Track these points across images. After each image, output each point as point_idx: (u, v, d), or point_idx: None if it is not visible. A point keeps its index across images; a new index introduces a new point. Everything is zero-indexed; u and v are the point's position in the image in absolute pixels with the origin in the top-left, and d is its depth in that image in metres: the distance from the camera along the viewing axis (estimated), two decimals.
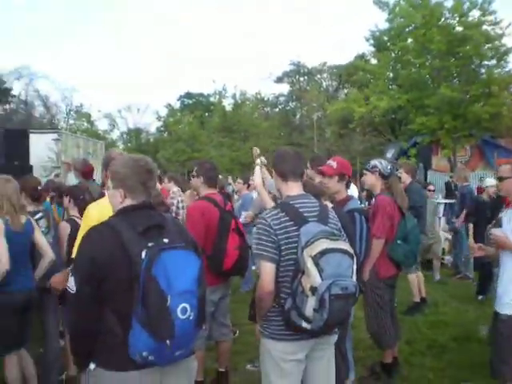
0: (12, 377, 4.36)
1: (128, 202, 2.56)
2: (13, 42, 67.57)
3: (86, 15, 75.47)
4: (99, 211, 3.29)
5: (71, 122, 48.51)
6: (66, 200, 5.40)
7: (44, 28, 67.69)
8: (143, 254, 2.26)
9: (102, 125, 55.81)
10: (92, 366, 2.43)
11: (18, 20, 66.19)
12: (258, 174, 5.10)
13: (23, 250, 4.39)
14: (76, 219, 5.24)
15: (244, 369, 5.50)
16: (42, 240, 4.58)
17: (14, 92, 43.48)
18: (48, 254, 4.54)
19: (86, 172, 6.73)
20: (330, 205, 3.89)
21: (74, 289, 2.38)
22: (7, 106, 43.83)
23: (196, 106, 53.74)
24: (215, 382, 5.01)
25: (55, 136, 16.83)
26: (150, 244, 2.31)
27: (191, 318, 2.28)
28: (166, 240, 2.39)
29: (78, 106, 49.24)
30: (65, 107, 48.39)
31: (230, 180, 16.33)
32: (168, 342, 2.23)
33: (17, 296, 4.27)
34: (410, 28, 23.19)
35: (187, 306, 2.26)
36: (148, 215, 2.51)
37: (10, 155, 12.00)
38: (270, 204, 5.06)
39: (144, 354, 2.26)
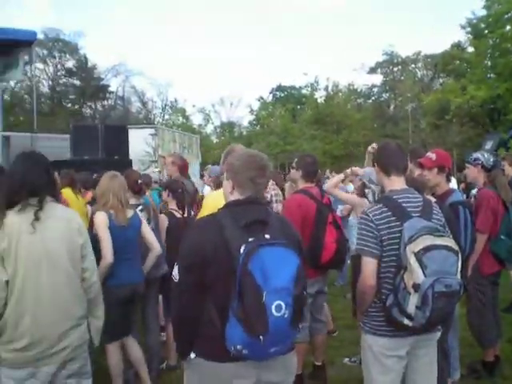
0: (113, 363, 4.51)
1: (236, 195, 2.58)
2: (110, 41, 70.26)
3: (176, 14, 77.28)
4: (214, 201, 3.36)
5: (166, 116, 49.91)
6: (164, 194, 5.56)
7: (139, 25, 70.04)
8: (242, 249, 2.27)
9: (196, 119, 57.11)
10: (192, 355, 2.49)
11: (114, 19, 68.76)
12: (335, 179, 5.10)
13: (128, 244, 4.46)
14: (174, 212, 5.35)
15: (341, 363, 5.42)
16: (149, 234, 4.67)
17: (112, 89, 45.31)
18: (155, 248, 4.64)
19: (183, 167, 6.89)
20: (432, 199, 3.78)
21: (178, 277, 2.46)
22: (105, 103, 45.77)
23: (288, 99, 53.86)
24: (312, 375, 5.03)
25: (152, 131, 17.39)
26: (250, 239, 2.31)
27: (286, 316, 2.24)
28: (267, 236, 2.37)
29: (173, 101, 50.60)
30: (160, 102, 49.83)
31: (327, 173, 16.20)
32: (261, 337, 2.22)
33: (122, 289, 4.38)
34: (509, 14, 22.09)
35: (282, 303, 2.23)
36: (252, 210, 2.50)
37: (110, 150, 12.51)
38: (354, 201, 5.01)
39: (238, 347, 2.27)
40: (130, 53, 72.79)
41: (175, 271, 2.49)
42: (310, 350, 5.05)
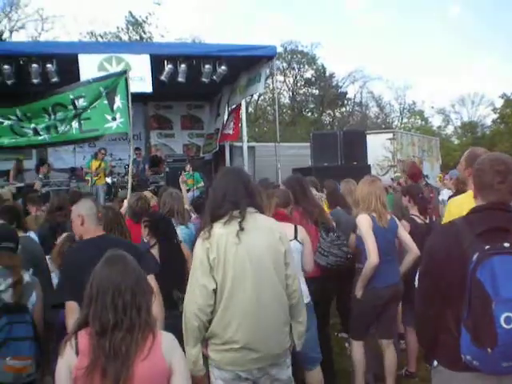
0: (356, 358, 4.72)
1: (479, 201, 2.50)
2: (346, 49, 71.49)
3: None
4: (458, 207, 3.27)
5: (405, 120, 49.09)
6: (405, 199, 5.46)
7: (375, 30, 70.10)
8: (474, 256, 2.18)
9: (435, 121, 55.04)
10: (435, 362, 2.48)
11: (350, 27, 69.80)
12: None
13: (389, 245, 4.60)
14: (415, 218, 5.25)
15: None
16: (406, 236, 4.72)
17: (350, 95, 45.99)
18: (413, 250, 4.62)
19: (413, 174, 6.75)
20: None
21: (418, 283, 2.51)
22: (344, 110, 46.58)
23: None
24: None
25: (390, 135, 17.28)
26: (486, 247, 2.20)
27: None
28: (506, 244, 2.21)
29: (411, 103, 49.59)
30: (398, 106, 49.25)
31: None
32: (489, 349, 2.11)
33: (385, 289, 4.52)
34: None
35: None
36: (493, 217, 2.37)
37: (349, 156, 12.71)
38: None
39: (468, 357, 2.21)
40: (367, 59, 72.97)
41: (417, 277, 2.53)
42: None
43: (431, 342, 2.49)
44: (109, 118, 7.96)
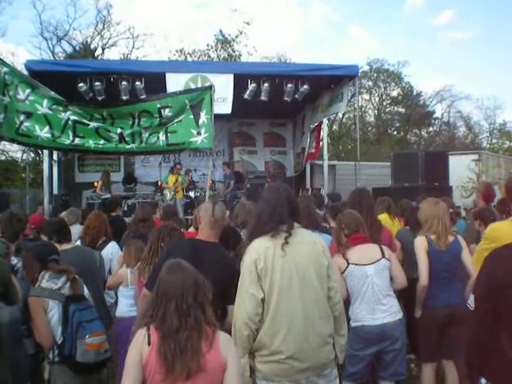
0: (425, 382, 4.74)
1: None
2: (434, 67, 69.91)
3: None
4: (506, 229, 3.26)
5: (494, 140, 47.37)
6: (476, 223, 5.44)
7: (464, 46, 68.08)
8: None
9: None
10: (483, 380, 2.50)
11: (437, 45, 68.26)
12: None
13: (447, 267, 4.60)
14: None
15: None
16: (467, 260, 4.65)
17: (437, 115, 44.96)
18: (473, 276, 4.56)
19: (487, 195, 6.64)
20: None
21: (473, 305, 2.54)
22: (431, 129, 45.56)
23: None
24: None
25: (475, 156, 16.79)
26: None
27: None
28: None
29: (502, 123, 47.75)
30: (487, 126, 47.60)
31: None
32: None
33: (440, 311, 4.54)
34: None
35: None
36: None
37: (430, 177, 12.50)
38: None
39: None
40: (456, 77, 71.00)
41: (471, 299, 2.60)
42: None
43: (482, 362, 2.51)
44: (194, 132, 8.31)
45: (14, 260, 4.67)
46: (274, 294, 3.07)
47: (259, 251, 3.13)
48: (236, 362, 2.58)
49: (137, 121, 8.24)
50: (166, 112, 8.25)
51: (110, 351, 3.99)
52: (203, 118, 8.30)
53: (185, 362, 2.39)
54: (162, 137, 8.33)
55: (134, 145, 8.30)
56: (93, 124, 8.10)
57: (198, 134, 8.30)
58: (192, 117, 8.32)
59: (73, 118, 8.00)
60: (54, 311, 3.80)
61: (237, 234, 4.79)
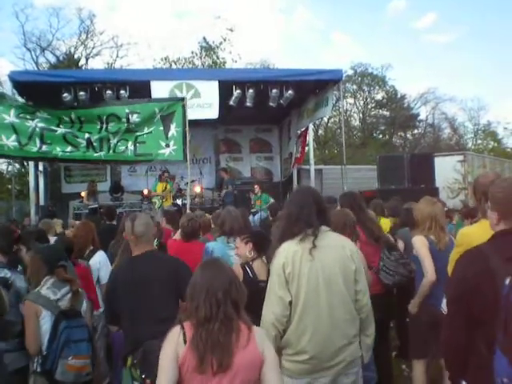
0: (417, 377, 4.74)
1: (501, 226, 2.53)
2: (417, 70, 70.33)
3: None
4: (478, 234, 3.26)
5: (478, 141, 47.69)
6: (466, 222, 5.46)
7: (447, 51, 68.61)
8: (507, 281, 2.18)
9: (510, 142, 53.06)
10: (464, 383, 2.51)
11: (421, 49, 68.69)
12: None
13: (445, 268, 4.57)
14: None
15: None
16: None
17: (421, 117, 45.22)
18: None
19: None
20: None
21: (446, 309, 2.56)
22: (415, 131, 45.80)
23: None
24: None
25: (461, 157, 16.94)
26: None
27: None
28: None
29: (486, 124, 48.09)
30: (472, 127, 47.89)
31: None
32: None
33: (436, 310, 4.48)
34: None
35: None
36: None
37: (416, 179, 12.60)
38: None
39: (505, 380, 2.18)
40: (439, 80, 71.61)
41: (444, 303, 2.58)
42: None
43: (461, 365, 2.51)
44: (163, 144, 8.39)
45: (8, 273, 4.59)
46: (301, 297, 3.14)
47: (287, 255, 3.18)
48: (273, 354, 2.61)
49: (105, 125, 8.27)
50: (134, 117, 8.31)
51: (92, 375, 3.93)
52: (173, 130, 8.39)
53: (216, 355, 2.41)
54: (130, 146, 8.38)
55: (101, 153, 8.33)
56: (60, 130, 8.12)
57: (167, 146, 8.39)
58: (162, 128, 8.40)
59: (40, 125, 8.05)
60: (46, 319, 3.78)
61: (267, 238, 4.79)
